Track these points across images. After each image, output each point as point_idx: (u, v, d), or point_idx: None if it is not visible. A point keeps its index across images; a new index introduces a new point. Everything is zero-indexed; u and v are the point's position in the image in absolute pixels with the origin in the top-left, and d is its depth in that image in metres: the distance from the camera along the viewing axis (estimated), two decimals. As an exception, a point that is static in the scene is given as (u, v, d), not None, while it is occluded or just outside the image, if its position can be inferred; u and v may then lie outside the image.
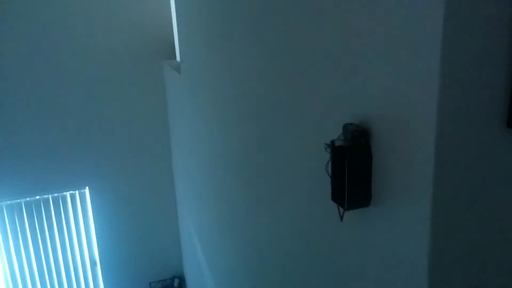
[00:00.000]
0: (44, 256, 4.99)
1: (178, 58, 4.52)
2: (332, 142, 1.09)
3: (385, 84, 0.97)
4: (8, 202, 4.70)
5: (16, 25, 4.35)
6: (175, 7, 3.67)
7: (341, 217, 1.11)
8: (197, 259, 4.18)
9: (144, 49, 4.85)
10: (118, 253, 5.31)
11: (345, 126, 1.09)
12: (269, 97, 1.65)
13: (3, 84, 4.46)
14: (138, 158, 5.13)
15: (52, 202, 4.87)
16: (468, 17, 0.79)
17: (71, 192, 4.94)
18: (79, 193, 4.98)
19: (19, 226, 4.81)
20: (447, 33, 0.78)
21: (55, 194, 4.87)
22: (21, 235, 4.83)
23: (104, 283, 5.33)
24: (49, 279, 5.08)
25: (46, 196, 4.82)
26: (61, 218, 4.96)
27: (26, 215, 4.79)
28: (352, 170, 1.05)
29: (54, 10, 4.44)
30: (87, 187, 4.97)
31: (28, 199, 4.76)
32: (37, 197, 4.78)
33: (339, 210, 1.14)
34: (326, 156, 1.13)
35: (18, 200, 4.72)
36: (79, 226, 5.08)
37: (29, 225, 4.83)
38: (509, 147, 0.87)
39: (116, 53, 4.77)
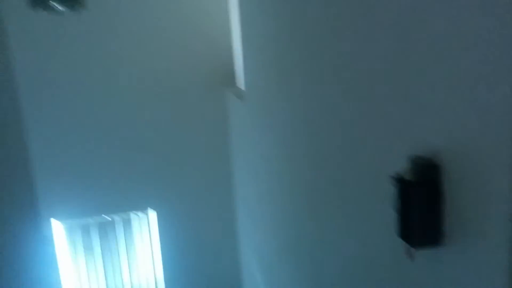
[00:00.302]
0: (112, 274, 5.21)
1: (239, 85, 4.61)
2: (399, 176, 1.06)
3: (458, 117, 0.93)
4: (79, 220, 4.99)
5: (80, 52, 4.70)
6: (241, 28, 3.74)
7: (411, 255, 1.06)
8: None
9: (205, 76, 4.98)
10: (181, 277, 5.41)
11: (413, 159, 1.05)
12: (338, 130, 1.64)
13: (73, 109, 4.79)
14: (199, 185, 5.24)
15: (121, 223, 5.10)
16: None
17: (137, 213, 5.15)
18: (145, 215, 5.18)
19: (89, 245, 5.07)
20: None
21: (123, 215, 5.10)
22: (90, 253, 5.08)
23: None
24: (114, 298, 5.27)
25: (114, 216, 5.07)
26: (127, 238, 5.17)
27: (97, 234, 5.05)
28: (419, 207, 1.01)
29: (114, 38, 4.74)
30: (153, 210, 5.17)
31: (97, 218, 5.02)
32: (105, 216, 5.03)
33: (407, 248, 1.08)
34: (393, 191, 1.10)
35: (89, 219, 5.00)
36: (145, 248, 5.26)
37: (98, 243, 5.08)
38: None
39: (179, 80, 4.96)
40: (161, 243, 5.26)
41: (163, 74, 4.93)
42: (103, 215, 5.01)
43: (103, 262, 5.17)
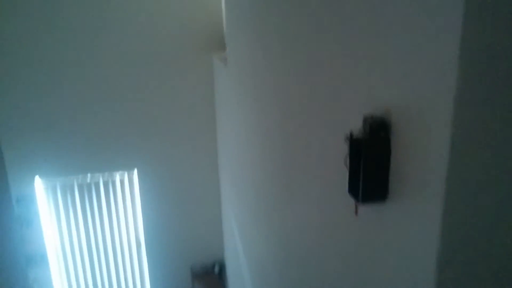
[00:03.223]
0: (93, 233, 5.29)
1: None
2: (351, 134, 1.08)
3: (406, 76, 0.94)
4: (62, 179, 5.02)
5: (70, 11, 4.60)
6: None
7: (356, 211, 1.10)
8: (236, 247, 4.26)
9: (195, 40, 4.96)
10: (162, 236, 5.51)
11: (365, 119, 1.07)
12: (297, 93, 1.65)
13: (60, 68, 4.74)
14: (184, 146, 5.28)
15: (103, 182, 5.14)
16: (487, 16, 0.75)
17: (120, 172, 5.19)
18: (128, 174, 5.22)
19: (71, 203, 5.13)
20: (466, 29, 0.74)
21: (106, 174, 5.14)
22: (72, 211, 5.15)
23: (148, 264, 5.56)
24: (96, 256, 5.38)
25: (97, 174, 5.10)
26: (109, 197, 5.23)
27: (78, 193, 5.10)
28: (369, 163, 1.03)
29: (105, 2, 4.66)
30: (135, 169, 5.20)
31: (80, 176, 5.06)
32: (89, 175, 5.07)
33: (355, 204, 1.12)
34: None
35: (71, 177, 5.03)
36: (127, 206, 5.33)
37: (80, 202, 5.13)
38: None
39: (168, 44, 4.92)
40: (142, 203, 5.33)
41: (152, 38, 4.88)
42: (89, 174, 5.04)
43: (86, 220, 5.24)
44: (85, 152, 5.01)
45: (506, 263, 0.87)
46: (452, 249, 0.85)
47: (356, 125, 1.13)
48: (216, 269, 5.71)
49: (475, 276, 0.87)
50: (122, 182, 5.23)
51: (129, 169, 5.21)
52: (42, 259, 5.09)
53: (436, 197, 0.85)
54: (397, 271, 1.03)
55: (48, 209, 5.08)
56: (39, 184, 4.94)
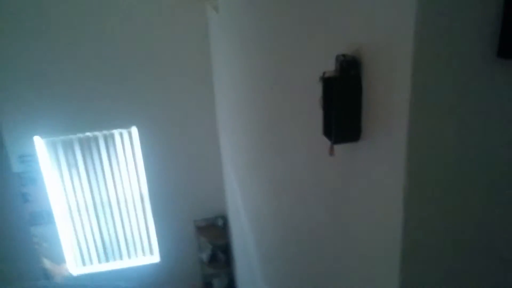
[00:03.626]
0: (97, 189, 5.40)
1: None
2: (323, 73, 1.06)
3: (371, 11, 0.91)
4: (62, 137, 5.06)
5: None
6: None
7: (330, 152, 1.10)
8: (236, 200, 4.34)
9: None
10: (165, 191, 5.61)
11: (337, 57, 1.05)
12: (278, 39, 1.61)
13: (56, 25, 4.66)
14: (182, 101, 5.26)
15: (103, 139, 5.19)
16: None
17: (120, 130, 5.21)
18: (128, 132, 5.25)
19: (72, 161, 5.20)
20: None
21: (105, 132, 5.17)
22: (74, 169, 5.23)
23: (153, 218, 5.70)
24: (102, 211, 5.52)
25: (96, 133, 5.14)
26: (110, 154, 5.29)
27: (79, 150, 5.15)
28: (340, 103, 1.02)
29: None
30: (135, 126, 5.22)
31: (80, 135, 5.09)
32: (88, 133, 5.11)
33: (329, 145, 1.12)
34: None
35: (72, 136, 5.07)
36: (128, 163, 5.40)
37: (82, 159, 5.20)
38: (499, 80, 0.81)
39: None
40: (144, 159, 5.38)
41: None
42: (88, 133, 5.08)
43: (88, 176, 5.33)
44: (83, 111, 5.02)
45: (467, 194, 0.88)
46: (417, 186, 0.86)
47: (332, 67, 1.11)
48: (220, 222, 5.84)
49: (440, 209, 0.88)
50: (122, 139, 5.27)
51: (128, 126, 5.22)
52: (48, 216, 5.23)
53: (400, 134, 0.84)
54: (367, 205, 1.05)
55: (51, 166, 5.16)
56: (40, 143, 4.99)
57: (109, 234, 5.68)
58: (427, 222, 0.88)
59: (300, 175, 1.61)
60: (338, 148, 1.11)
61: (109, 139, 5.22)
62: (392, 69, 0.86)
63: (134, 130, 5.24)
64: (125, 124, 5.20)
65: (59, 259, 5.50)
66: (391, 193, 0.91)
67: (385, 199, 0.94)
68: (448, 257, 0.91)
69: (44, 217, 5.21)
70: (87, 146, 5.17)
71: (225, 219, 5.87)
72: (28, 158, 4.95)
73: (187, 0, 4.86)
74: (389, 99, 0.88)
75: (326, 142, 1.13)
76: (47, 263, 5.32)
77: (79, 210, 5.46)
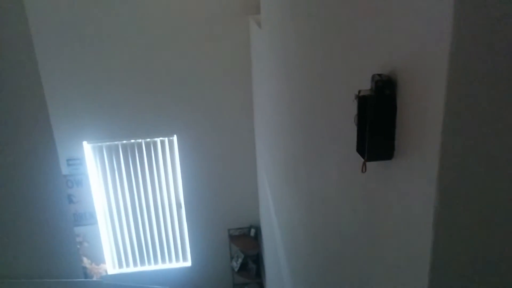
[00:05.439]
0: (137, 194, 5.59)
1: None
2: (359, 92, 1.09)
3: (407, 32, 0.94)
4: (107, 143, 5.29)
5: None
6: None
7: (362, 169, 1.12)
8: (269, 211, 4.37)
9: (232, 3, 4.95)
10: (201, 199, 5.72)
11: (373, 77, 1.08)
12: (318, 58, 1.65)
13: (107, 39, 4.91)
14: (222, 112, 5.38)
15: (145, 147, 5.38)
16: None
17: (161, 138, 5.39)
18: (168, 140, 5.42)
19: (116, 165, 5.41)
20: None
21: (147, 140, 5.36)
22: (117, 173, 5.44)
23: (187, 225, 5.82)
24: (140, 215, 5.70)
25: (140, 140, 5.34)
26: (152, 161, 5.47)
27: (122, 156, 5.37)
28: (374, 121, 1.05)
29: None
30: (175, 135, 5.38)
31: (124, 142, 5.31)
32: (132, 140, 5.31)
33: (362, 161, 1.14)
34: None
35: (117, 142, 5.30)
36: (167, 170, 5.56)
37: (124, 164, 5.41)
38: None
39: (205, 8, 4.94)
40: (182, 168, 5.53)
41: (189, 2, 4.90)
42: (132, 140, 5.29)
43: (130, 181, 5.52)
44: (129, 120, 5.23)
45: (500, 219, 0.88)
46: (447, 207, 0.86)
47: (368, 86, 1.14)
48: (252, 232, 5.88)
49: (470, 232, 0.89)
50: (163, 147, 5.44)
51: (169, 135, 5.39)
52: (91, 217, 5.46)
53: (433, 155, 0.86)
54: (397, 223, 1.06)
55: (96, 170, 5.40)
56: (87, 148, 5.24)
57: (145, 238, 5.84)
58: (456, 245, 0.89)
59: (333, 191, 1.63)
60: (371, 165, 1.13)
61: (151, 146, 5.40)
62: (426, 90, 0.88)
63: (175, 138, 5.40)
64: (167, 132, 5.37)
65: (98, 259, 5.71)
66: (421, 213, 0.92)
67: (415, 218, 0.95)
68: (475, 281, 0.91)
69: (87, 218, 5.44)
70: (131, 152, 5.38)
71: (257, 229, 5.90)
72: (75, 161, 5.21)
73: (232, 15, 4.99)
74: (423, 119, 0.90)
75: (360, 159, 1.16)
76: (86, 262, 5.54)
77: (119, 213, 5.66)
